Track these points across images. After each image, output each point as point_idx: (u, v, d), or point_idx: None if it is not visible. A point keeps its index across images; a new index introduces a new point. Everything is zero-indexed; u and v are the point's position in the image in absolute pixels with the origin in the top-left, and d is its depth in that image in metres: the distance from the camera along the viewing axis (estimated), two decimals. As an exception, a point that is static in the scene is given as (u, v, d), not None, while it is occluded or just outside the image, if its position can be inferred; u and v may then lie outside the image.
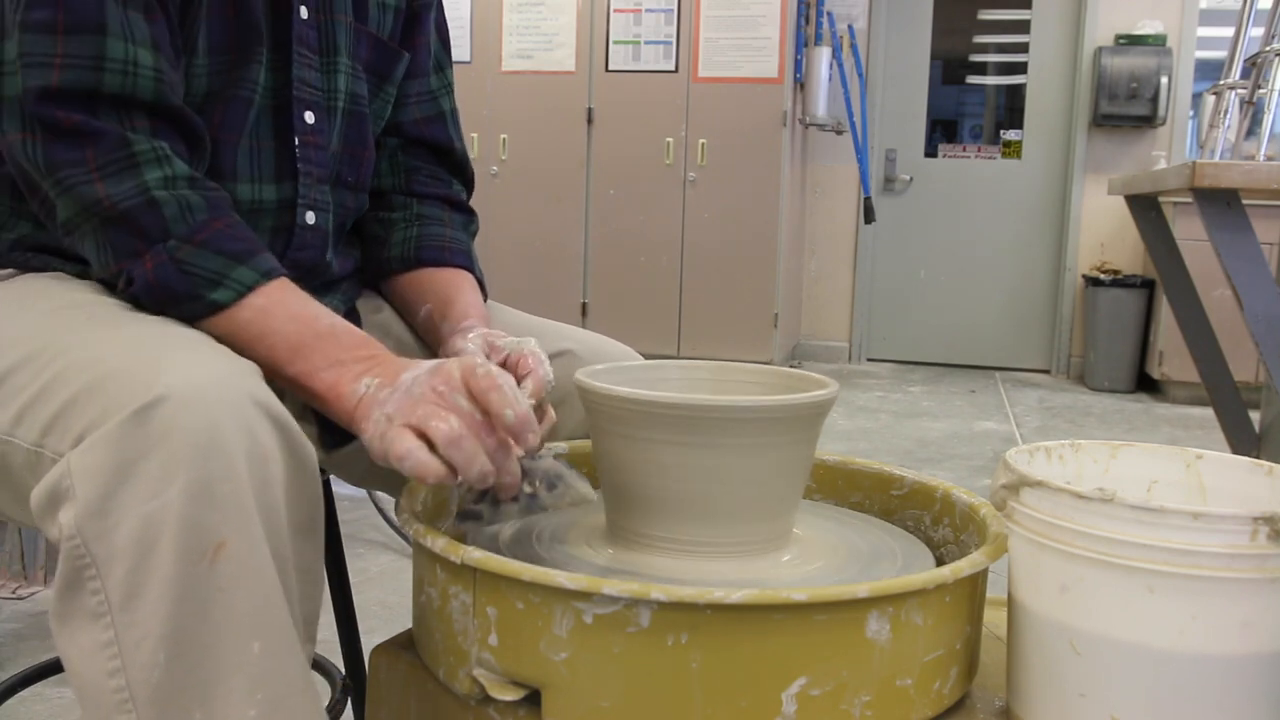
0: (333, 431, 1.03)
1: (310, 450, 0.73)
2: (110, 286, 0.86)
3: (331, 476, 1.15)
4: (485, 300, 1.09)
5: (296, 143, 0.96)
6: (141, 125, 0.83)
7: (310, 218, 0.98)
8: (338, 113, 1.01)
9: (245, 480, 0.66)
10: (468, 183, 1.18)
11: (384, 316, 1.10)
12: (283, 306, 0.83)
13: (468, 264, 1.09)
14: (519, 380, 0.85)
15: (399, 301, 1.10)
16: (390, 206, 1.12)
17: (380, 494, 2.52)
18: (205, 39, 0.90)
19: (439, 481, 0.72)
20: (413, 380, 0.76)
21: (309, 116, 0.97)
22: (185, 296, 0.81)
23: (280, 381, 0.82)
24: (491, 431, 0.74)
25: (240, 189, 0.94)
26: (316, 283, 1.02)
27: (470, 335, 0.94)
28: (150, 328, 0.79)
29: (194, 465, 0.65)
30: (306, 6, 0.97)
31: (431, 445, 0.72)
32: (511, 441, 0.75)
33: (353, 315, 1.07)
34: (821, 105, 5.13)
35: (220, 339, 0.81)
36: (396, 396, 0.76)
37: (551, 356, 1.06)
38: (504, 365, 0.88)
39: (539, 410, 0.85)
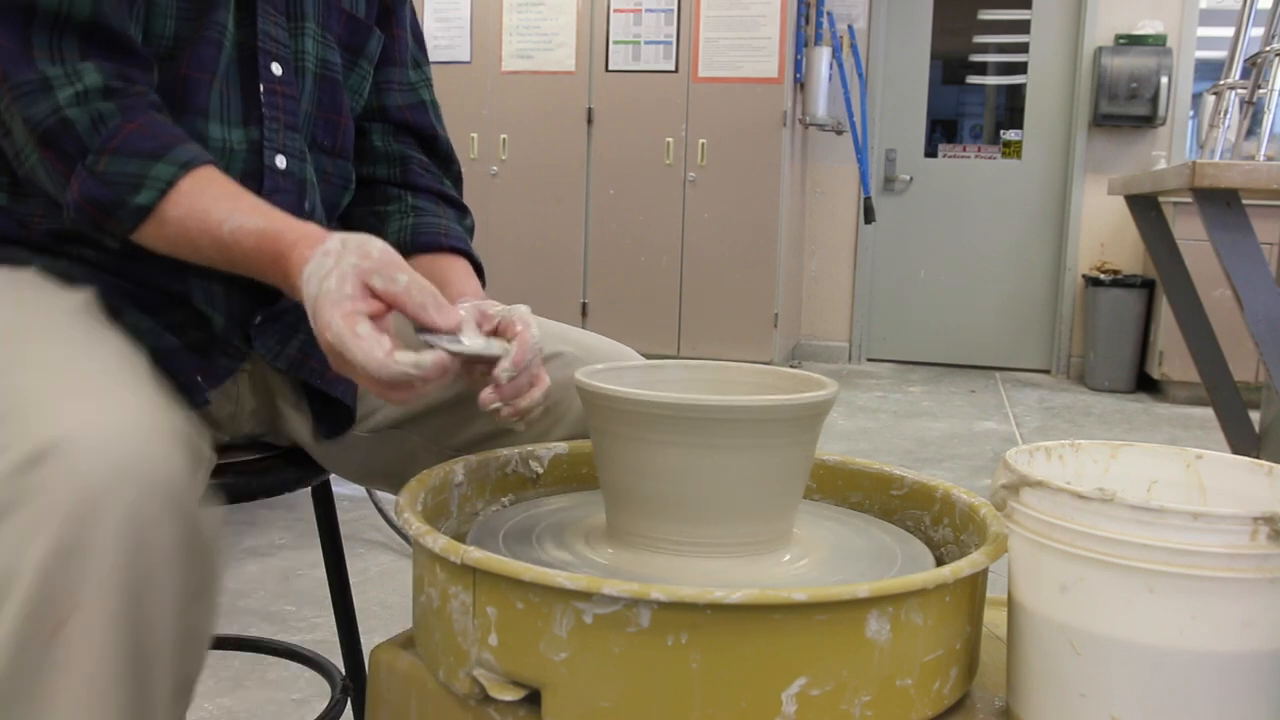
0: (328, 421, 1.03)
1: (207, 515, 0.71)
2: (67, 278, 0.87)
3: (331, 476, 1.15)
4: (484, 286, 1.09)
5: (262, 89, 0.97)
6: (70, 44, 0.83)
7: (281, 162, 0.98)
8: (307, 73, 1.01)
9: (114, 551, 0.64)
10: (455, 178, 1.18)
11: None
12: (214, 192, 0.83)
13: (465, 248, 1.09)
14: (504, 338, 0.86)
15: None
16: (385, 199, 1.12)
17: (380, 494, 2.52)
18: None
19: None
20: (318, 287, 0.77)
21: (275, 68, 0.98)
22: (111, 206, 0.82)
23: (237, 259, 0.83)
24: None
25: (211, 127, 0.94)
26: None
27: (462, 305, 0.93)
28: (71, 359, 0.75)
29: (58, 532, 0.62)
30: None
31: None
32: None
33: None
34: (821, 105, 5.13)
35: (168, 244, 0.81)
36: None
37: (551, 358, 1.06)
38: (494, 332, 0.88)
39: (529, 375, 0.86)
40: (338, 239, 0.78)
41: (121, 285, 0.92)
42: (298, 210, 0.98)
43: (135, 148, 0.82)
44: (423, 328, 0.78)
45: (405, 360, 0.75)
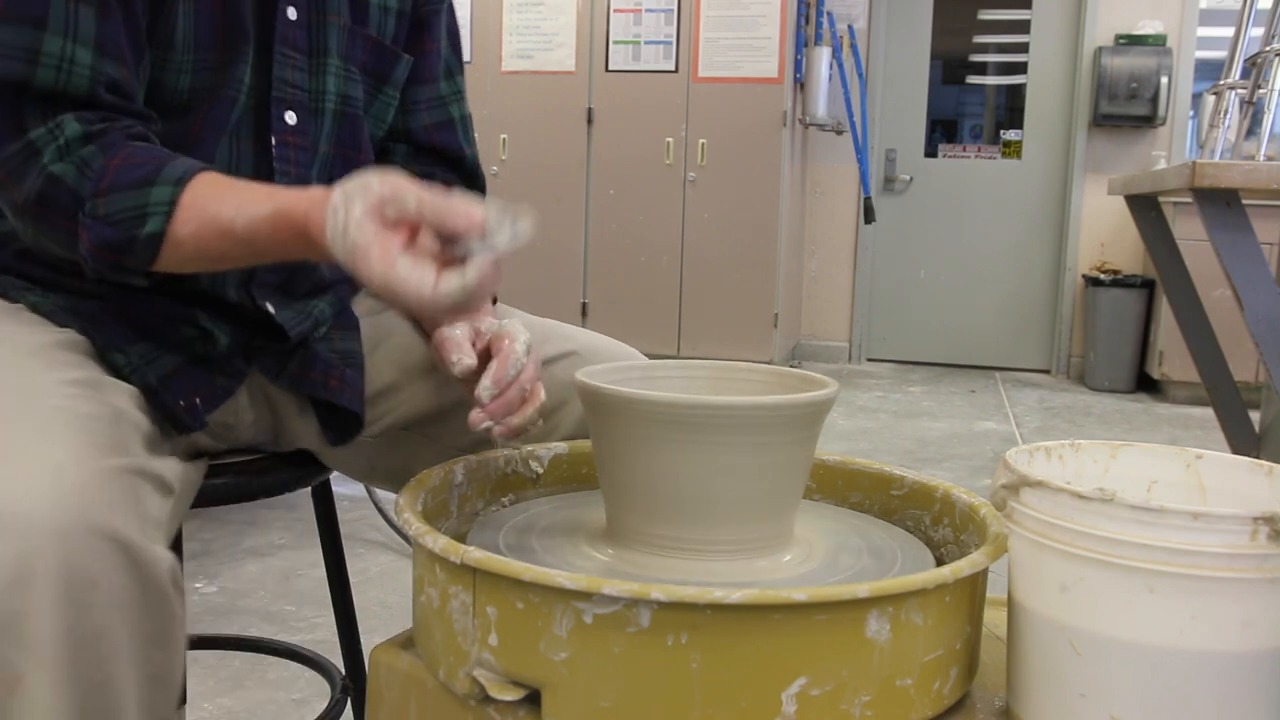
0: (336, 429, 1.03)
1: (159, 563, 0.70)
2: (67, 312, 0.86)
3: (331, 476, 1.15)
4: (495, 302, 1.08)
5: (274, 143, 0.95)
6: (63, 111, 0.82)
7: None
8: (326, 114, 0.99)
9: (54, 614, 0.64)
10: (480, 190, 1.16)
11: (387, 317, 1.10)
12: (215, 195, 0.81)
13: None
14: (493, 357, 0.86)
15: None
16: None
17: (380, 494, 2.52)
18: (187, 34, 0.89)
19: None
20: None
21: (290, 117, 0.96)
22: (123, 244, 0.80)
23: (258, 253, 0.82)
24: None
25: None
26: (305, 288, 1.01)
27: (457, 326, 0.93)
28: (16, 416, 0.73)
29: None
30: (295, 7, 0.95)
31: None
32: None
33: (345, 315, 1.07)
34: (821, 105, 5.13)
35: (191, 261, 0.81)
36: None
37: (555, 358, 1.05)
38: (485, 349, 0.87)
39: (519, 391, 0.86)
40: (339, 191, 0.77)
41: (126, 309, 0.91)
42: (305, 262, 0.97)
43: (127, 180, 0.80)
44: (449, 238, 0.76)
45: (453, 286, 0.73)
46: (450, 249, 0.75)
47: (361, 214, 0.75)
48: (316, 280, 1.02)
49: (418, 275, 0.73)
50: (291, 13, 0.95)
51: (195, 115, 0.91)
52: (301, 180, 0.97)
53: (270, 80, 0.94)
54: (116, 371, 0.87)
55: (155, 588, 0.70)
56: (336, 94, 1.00)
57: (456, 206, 0.74)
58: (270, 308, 0.97)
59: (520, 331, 0.89)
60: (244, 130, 0.94)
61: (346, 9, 1.00)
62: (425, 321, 1.04)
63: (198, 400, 0.92)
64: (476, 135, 1.18)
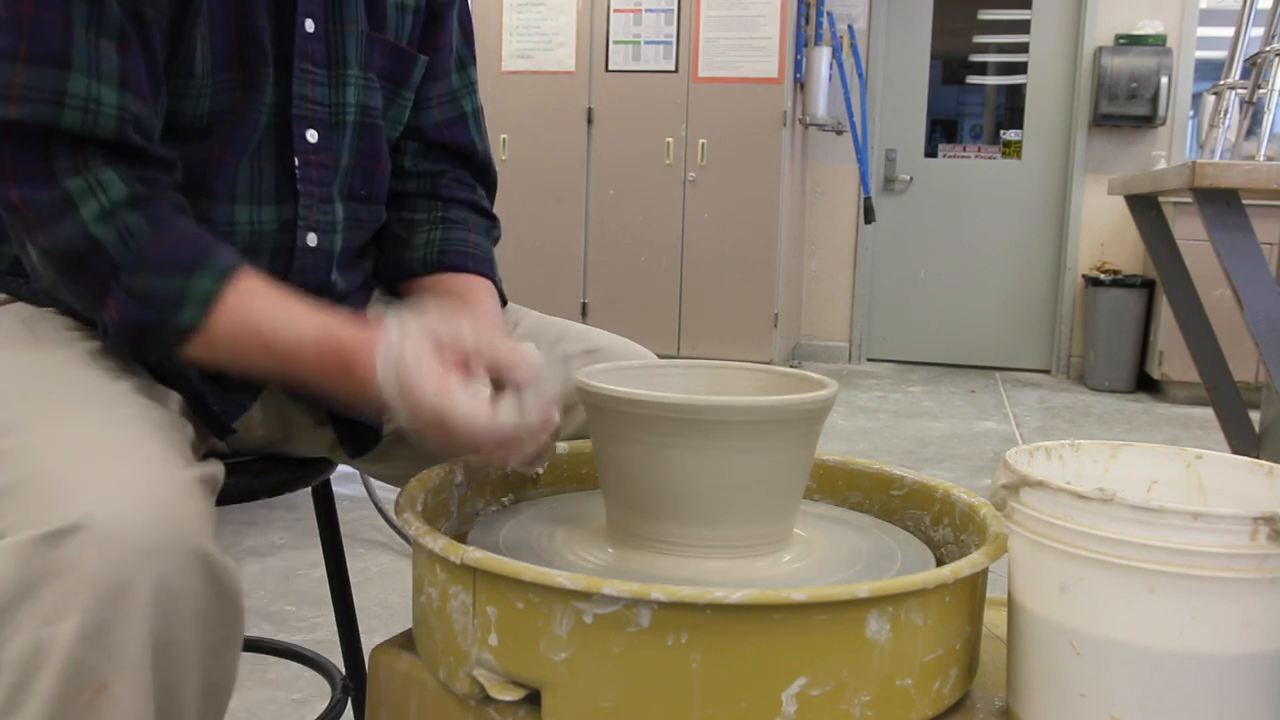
0: (353, 442, 1.02)
1: (231, 573, 0.71)
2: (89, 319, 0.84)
3: (331, 477, 1.15)
4: (505, 305, 1.08)
5: (297, 163, 0.93)
6: (94, 155, 0.79)
7: (311, 239, 0.96)
8: (347, 126, 0.97)
9: (144, 625, 0.65)
10: (490, 187, 1.15)
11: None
12: (259, 302, 0.80)
13: (490, 272, 1.06)
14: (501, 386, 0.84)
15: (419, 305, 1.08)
16: (414, 208, 1.09)
17: (380, 494, 2.52)
18: (205, 59, 0.87)
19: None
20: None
21: (311, 135, 0.94)
22: (154, 326, 0.79)
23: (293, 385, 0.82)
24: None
25: (239, 211, 0.92)
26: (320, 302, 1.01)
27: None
28: (90, 418, 0.74)
29: (91, 607, 0.64)
30: (313, 19, 0.93)
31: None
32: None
33: None
34: (821, 105, 5.13)
35: (217, 358, 0.80)
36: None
37: (564, 357, 1.06)
38: (497, 378, 0.87)
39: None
40: (394, 325, 0.77)
41: None
42: (325, 282, 0.97)
43: (172, 261, 0.78)
44: (500, 379, 0.78)
45: (510, 418, 0.75)
46: (498, 393, 0.77)
47: (418, 347, 0.75)
48: (331, 294, 1.01)
49: (474, 406, 0.75)
50: (309, 25, 0.92)
51: (214, 139, 0.89)
52: (324, 199, 0.96)
53: (290, 98, 0.92)
54: (158, 377, 0.87)
55: (229, 599, 0.71)
56: (356, 105, 0.98)
57: (512, 349, 0.76)
58: None
59: (535, 358, 0.87)
60: (265, 152, 0.92)
61: (363, 14, 0.98)
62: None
63: (218, 409, 0.93)
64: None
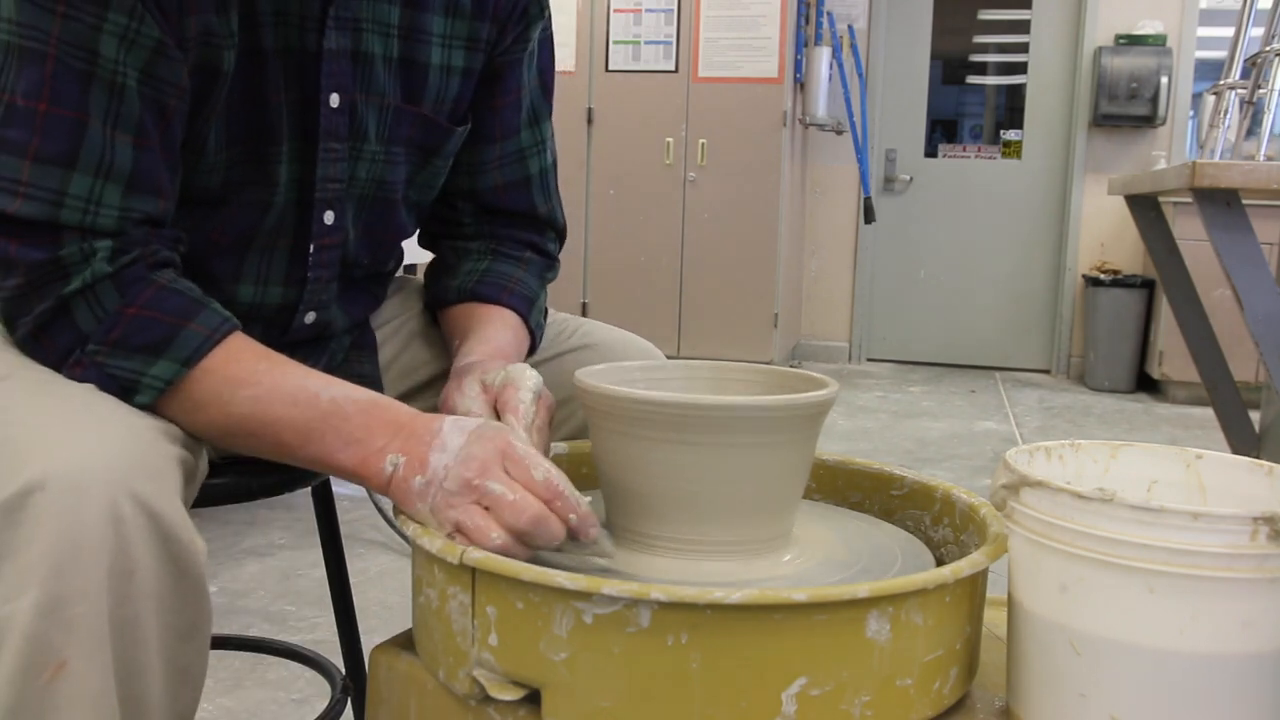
0: None
1: (194, 553, 0.70)
2: None
3: (331, 476, 1.15)
4: (535, 341, 1.04)
5: (312, 249, 0.92)
6: (103, 246, 0.78)
7: (310, 318, 0.96)
8: (354, 199, 0.95)
9: (101, 599, 0.65)
10: (559, 235, 1.11)
11: (399, 332, 1.09)
12: (237, 370, 0.78)
13: (520, 306, 1.02)
14: (500, 415, 0.83)
15: (444, 334, 1.05)
16: (469, 236, 1.07)
17: (380, 494, 2.52)
18: (218, 136, 0.85)
19: None
20: (445, 472, 0.74)
21: (328, 217, 0.92)
22: (118, 394, 0.77)
23: (294, 462, 0.81)
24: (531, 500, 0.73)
25: (242, 290, 0.91)
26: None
27: (466, 381, 0.88)
28: (57, 393, 0.74)
29: (48, 582, 0.63)
30: (339, 93, 0.89)
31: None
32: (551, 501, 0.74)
33: (364, 335, 1.05)
34: (821, 105, 5.13)
35: (190, 423, 0.79)
36: (432, 491, 0.74)
37: (566, 352, 1.05)
38: (495, 400, 0.85)
39: (538, 430, 0.84)
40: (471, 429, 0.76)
41: None
42: (316, 351, 0.97)
43: (136, 341, 0.77)
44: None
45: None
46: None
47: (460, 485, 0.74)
48: (326, 333, 1.01)
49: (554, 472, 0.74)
50: (334, 99, 0.89)
51: (221, 216, 0.87)
52: (331, 279, 0.95)
53: (311, 177, 0.90)
54: None
55: (191, 577, 0.70)
56: (368, 179, 0.95)
57: (578, 500, 0.74)
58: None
59: (527, 379, 0.85)
60: (282, 233, 0.91)
61: (397, 87, 0.93)
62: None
63: None
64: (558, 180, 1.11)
